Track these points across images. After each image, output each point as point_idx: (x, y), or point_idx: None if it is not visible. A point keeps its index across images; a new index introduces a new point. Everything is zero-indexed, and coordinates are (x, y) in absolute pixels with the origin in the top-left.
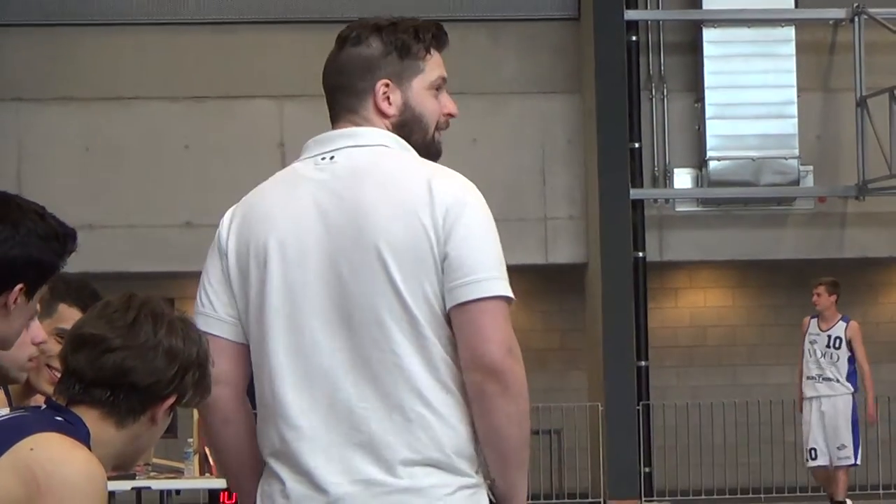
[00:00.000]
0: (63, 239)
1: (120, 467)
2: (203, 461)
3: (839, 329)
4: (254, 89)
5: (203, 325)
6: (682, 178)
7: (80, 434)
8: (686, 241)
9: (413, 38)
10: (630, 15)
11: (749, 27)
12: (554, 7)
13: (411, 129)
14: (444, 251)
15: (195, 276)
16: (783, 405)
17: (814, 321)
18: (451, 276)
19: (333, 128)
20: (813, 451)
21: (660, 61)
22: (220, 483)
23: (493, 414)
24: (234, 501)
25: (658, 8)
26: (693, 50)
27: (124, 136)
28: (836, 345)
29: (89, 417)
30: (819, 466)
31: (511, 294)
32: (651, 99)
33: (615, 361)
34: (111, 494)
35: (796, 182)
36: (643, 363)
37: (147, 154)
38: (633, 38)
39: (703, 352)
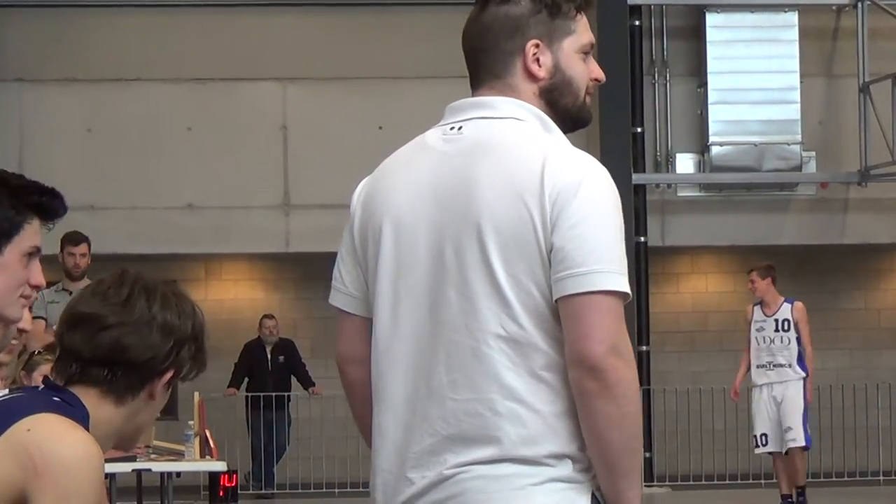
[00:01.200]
0: (18, 191)
1: (120, 446)
2: (203, 443)
3: (785, 311)
4: (257, 71)
5: (335, 300)
6: (685, 163)
7: (77, 414)
8: (688, 227)
9: None
10: None
11: (752, 12)
12: None
13: (562, 93)
14: (550, 240)
15: (197, 258)
16: None
17: (757, 308)
18: (556, 267)
19: (474, 94)
20: (764, 437)
21: (663, 46)
22: (220, 465)
23: (592, 415)
24: (234, 483)
25: None
26: (696, 35)
27: (126, 117)
28: (785, 327)
29: (87, 396)
30: (769, 452)
31: (625, 288)
32: (654, 83)
33: None
34: (111, 476)
35: (798, 168)
36: (644, 348)
37: (149, 136)
38: (637, 22)
39: (704, 337)
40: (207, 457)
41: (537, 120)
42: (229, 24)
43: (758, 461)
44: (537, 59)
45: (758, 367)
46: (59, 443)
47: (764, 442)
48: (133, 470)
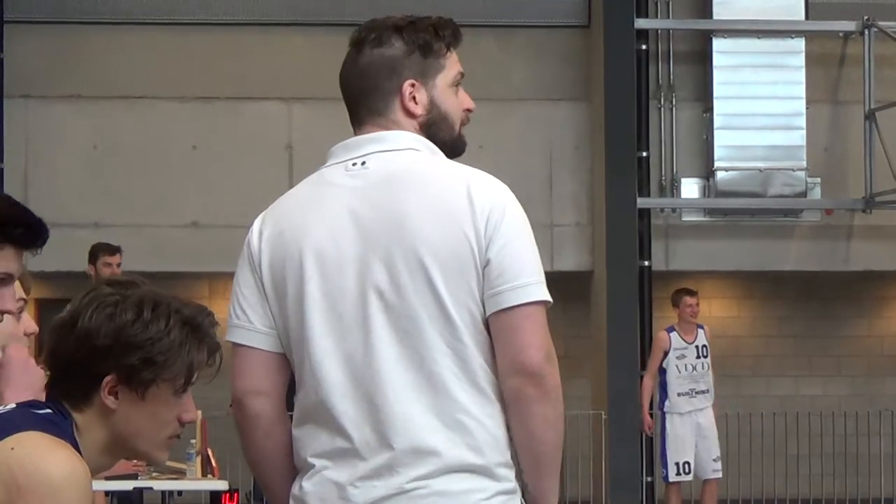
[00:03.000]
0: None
1: (134, 456)
2: (205, 462)
3: (702, 337)
4: (263, 91)
5: (238, 337)
6: (690, 188)
7: (63, 429)
8: (692, 251)
9: (434, 37)
10: (640, 23)
11: (759, 38)
12: (564, 14)
13: (439, 128)
14: (485, 258)
15: (201, 277)
16: (786, 417)
17: (674, 335)
18: (492, 283)
19: (357, 132)
20: (687, 466)
21: (669, 70)
22: (222, 485)
23: (531, 418)
24: (235, 503)
25: (668, 17)
26: (702, 59)
27: (132, 135)
28: (704, 353)
29: (70, 408)
30: (687, 481)
31: (548, 297)
32: (659, 108)
33: (619, 370)
34: (112, 494)
35: (803, 194)
36: None
37: (154, 154)
38: (643, 46)
39: None
40: (209, 476)
41: (428, 150)
42: (235, 43)
43: (759, 487)
44: (413, 98)
45: (679, 394)
46: (43, 461)
47: (687, 470)
48: (134, 488)
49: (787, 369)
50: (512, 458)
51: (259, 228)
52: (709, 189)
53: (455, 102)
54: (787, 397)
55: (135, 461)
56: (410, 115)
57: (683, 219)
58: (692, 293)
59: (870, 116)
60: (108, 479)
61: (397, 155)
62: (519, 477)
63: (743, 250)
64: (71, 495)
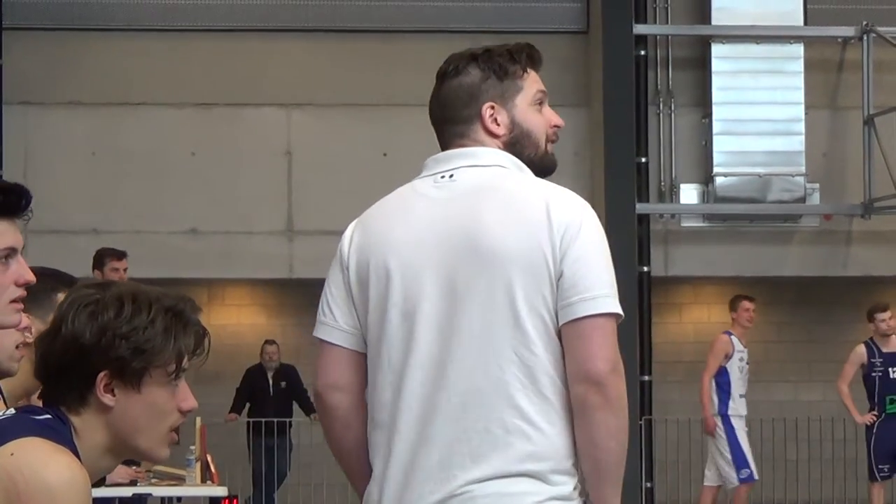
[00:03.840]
0: None
1: (137, 457)
2: (204, 468)
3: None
4: (261, 97)
5: (323, 333)
6: (689, 194)
7: (62, 434)
8: (691, 257)
9: (509, 60)
10: (639, 29)
11: (757, 43)
12: (562, 20)
13: (523, 146)
14: (559, 269)
15: (200, 283)
16: (785, 422)
17: (734, 338)
18: (565, 294)
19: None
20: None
21: (668, 76)
22: (221, 491)
23: (594, 426)
24: None
25: (667, 23)
26: (701, 65)
27: (131, 141)
28: (748, 360)
29: (67, 412)
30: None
31: (620, 310)
32: (658, 114)
33: None
34: (111, 502)
35: (802, 199)
36: (646, 378)
37: (153, 160)
38: (642, 52)
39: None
40: (208, 482)
41: (515, 167)
42: (234, 49)
43: (759, 492)
44: (495, 119)
45: (740, 396)
46: (42, 467)
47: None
48: (134, 494)
49: (786, 375)
50: (574, 466)
51: (350, 233)
52: (708, 195)
53: (539, 120)
54: (787, 402)
55: (135, 468)
56: (493, 135)
57: (683, 224)
58: (751, 299)
59: (869, 122)
60: (107, 485)
61: (484, 170)
62: (583, 486)
63: (742, 256)
64: (70, 501)
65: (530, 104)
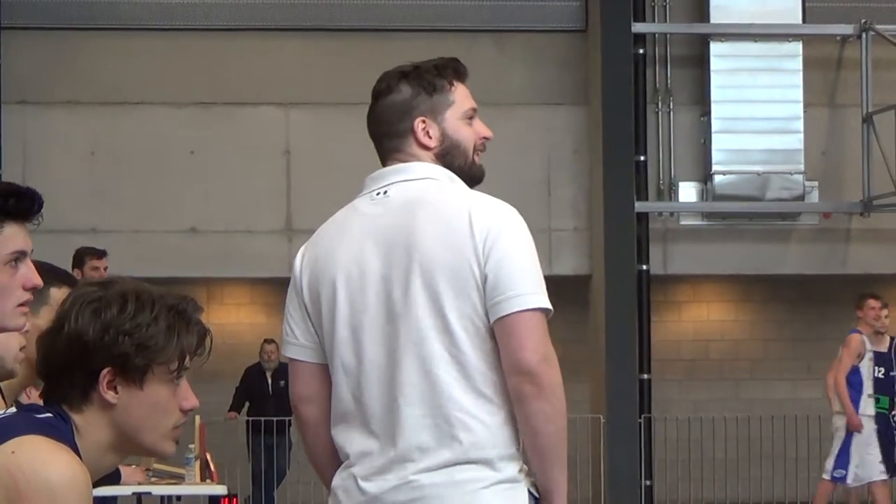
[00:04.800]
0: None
1: (140, 453)
2: (204, 467)
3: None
4: (259, 96)
5: (289, 352)
6: (687, 192)
7: (63, 433)
8: (690, 255)
9: (436, 76)
10: (637, 27)
11: (756, 42)
12: (561, 18)
13: (453, 157)
14: (484, 273)
15: (199, 282)
16: (785, 420)
17: (866, 338)
18: (490, 294)
19: (384, 167)
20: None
21: (666, 74)
22: (220, 489)
23: (531, 414)
24: None
25: (665, 21)
26: (700, 63)
27: (129, 141)
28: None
29: (69, 411)
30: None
31: (547, 305)
32: (657, 112)
33: (617, 374)
34: (113, 500)
35: (801, 197)
36: (645, 376)
37: (152, 159)
38: (640, 50)
39: (705, 365)
40: (208, 480)
41: (446, 177)
42: (232, 48)
43: (758, 491)
44: (427, 132)
45: (868, 396)
46: (43, 466)
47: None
48: (133, 493)
49: (785, 372)
50: (518, 450)
51: (301, 254)
52: (707, 193)
53: (468, 132)
54: (786, 400)
55: (145, 467)
56: (425, 147)
57: (681, 222)
58: (877, 297)
59: (867, 120)
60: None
61: (415, 184)
62: (530, 467)
63: (741, 254)
64: (71, 499)
65: (460, 118)
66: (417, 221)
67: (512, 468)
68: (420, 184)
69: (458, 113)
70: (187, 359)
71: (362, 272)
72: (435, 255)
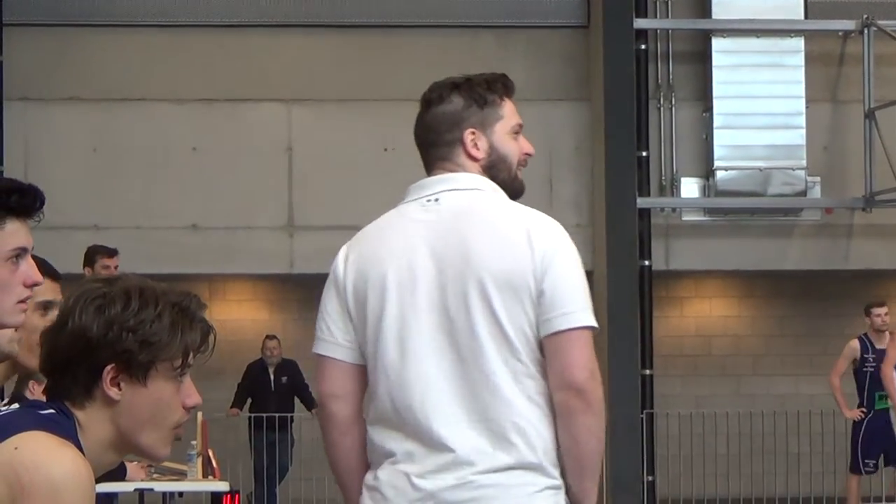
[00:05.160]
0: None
1: (138, 454)
2: (206, 464)
3: None
4: (262, 92)
5: (322, 349)
6: (689, 188)
7: (66, 429)
8: (692, 251)
9: (487, 90)
10: (639, 23)
11: (758, 37)
12: (563, 14)
13: (498, 170)
14: (540, 288)
15: (201, 279)
16: (787, 416)
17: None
18: (545, 310)
19: (429, 175)
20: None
21: (668, 70)
22: (223, 486)
23: (576, 427)
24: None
25: (667, 17)
26: (702, 59)
27: (131, 137)
28: None
29: (71, 407)
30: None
31: (595, 324)
32: (659, 108)
33: (620, 369)
34: (114, 496)
35: (803, 193)
36: (648, 371)
37: (154, 156)
38: (642, 46)
39: (708, 361)
40: (210, 477)
41: (491, 189)
42: (234, 44)
43: (761, 486)
44: (476, 144)
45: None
46: (46, 461)
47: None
48: (135, 490)
49: (787, 368)
50: (559, 459)
51: (345, 255)
52: (709, 188)
53: (514, 147)
54: (788, 396)
55: (147, 464)
56: (473, 158)
57: (683, 218)
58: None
59: (869, 115)
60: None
61: (465, 194)
62: (563, 477)
63: (743, 249)
64: (74, 495)
65: (508, 132)
66: (474, 231)
67: (557, 474)
68: (470, 194)
69: (506, 127)
70: (191, 356)
71: (414, 276)
72: (492, 266)
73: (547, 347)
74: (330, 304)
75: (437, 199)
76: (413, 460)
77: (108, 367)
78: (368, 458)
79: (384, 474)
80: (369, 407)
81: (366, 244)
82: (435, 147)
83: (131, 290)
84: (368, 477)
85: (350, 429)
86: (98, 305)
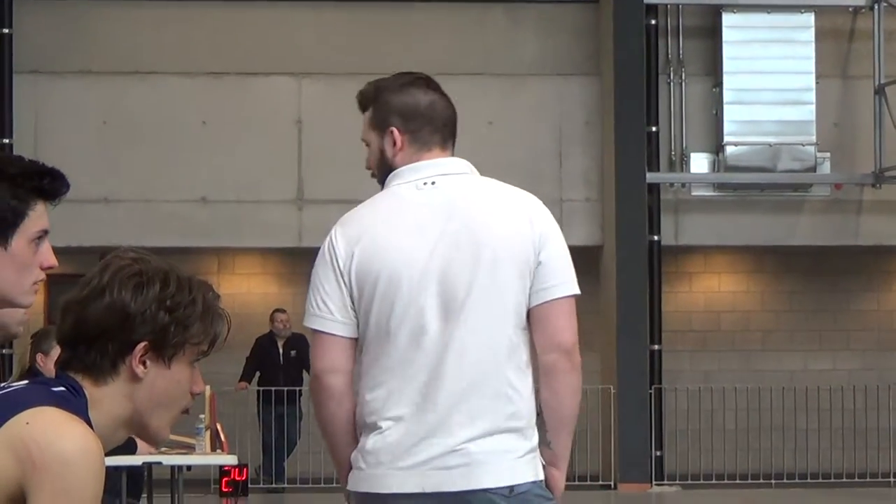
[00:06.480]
0: (21, 178)
1: (140, 435)
2: (214, 437)
3: None
4: (272, 66)
5: (319, 325)
6: (699, 163)
7: (78, 405)
8: (701, 226)
9: None
10: None
11: (769, 13)
12: None
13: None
14: (538, 259)
15: (210, 252)
16: (795, 391)
17: None
18: (541, 279)
19: (432, 150)
20: None
21: (678, 45)
22: (231, 459)
23: (561, 385)
24: (245, 477)
25: None
26: (712, 34)
27: (142, 110)
28: None
29: (83, 383)
30: None
31: (579, 291)
32: (669, 83)
33: (628, 344)
34: (123, 470)
35: (813, 168)
36: (656, 347)
37: (164, 129)
38: (653, 21)
39: (716, 336)
40: (218, 450)
41: (477, 173)
42: (245, 18)
43: (769, 461)
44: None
45: None
46: (57, 437)
47: None
48: (143, 463)
49: (796, 344)
50: (534, 420)
51: (341, 235)
52: (718, 164)
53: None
54: (797, 372)
55: None
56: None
57: (693, 193)
58: None
59: (879, 91)
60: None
61: (460, 178)
62: (542, 436)
63: (752, 225)
64: (85, 471)
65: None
66: (478, 211)
67: (535, 437)
68: (465, 178)
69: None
70: (216, 343)
71: (423, 256)
72: (501, 243)
73: (537, 314)
74: (327, 284)
75: (433, 182)
76: (405, 428)
77: (142, 344)
78: (358, 428)
79: (380, 438)
80: (361, 378)
81: (366, 227)
82: (447, 128)
83: (167, 272)
84: (362, 442)
85: (344, 399)
86: (137, 283)
